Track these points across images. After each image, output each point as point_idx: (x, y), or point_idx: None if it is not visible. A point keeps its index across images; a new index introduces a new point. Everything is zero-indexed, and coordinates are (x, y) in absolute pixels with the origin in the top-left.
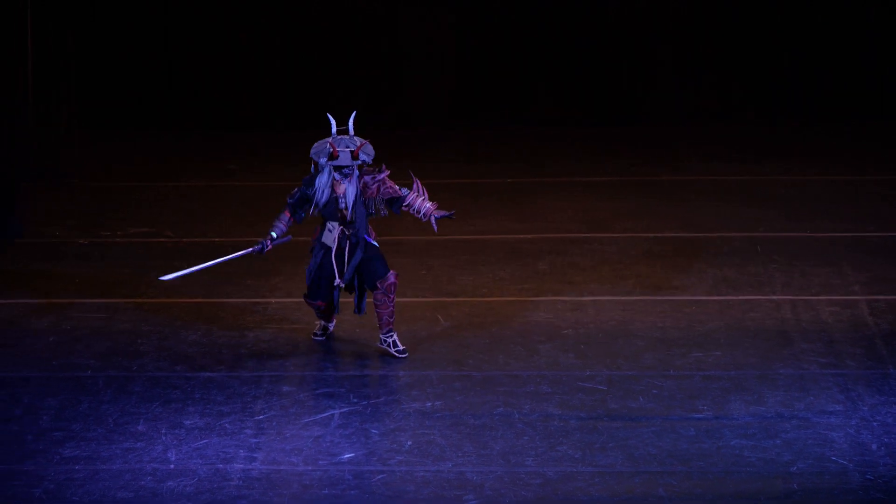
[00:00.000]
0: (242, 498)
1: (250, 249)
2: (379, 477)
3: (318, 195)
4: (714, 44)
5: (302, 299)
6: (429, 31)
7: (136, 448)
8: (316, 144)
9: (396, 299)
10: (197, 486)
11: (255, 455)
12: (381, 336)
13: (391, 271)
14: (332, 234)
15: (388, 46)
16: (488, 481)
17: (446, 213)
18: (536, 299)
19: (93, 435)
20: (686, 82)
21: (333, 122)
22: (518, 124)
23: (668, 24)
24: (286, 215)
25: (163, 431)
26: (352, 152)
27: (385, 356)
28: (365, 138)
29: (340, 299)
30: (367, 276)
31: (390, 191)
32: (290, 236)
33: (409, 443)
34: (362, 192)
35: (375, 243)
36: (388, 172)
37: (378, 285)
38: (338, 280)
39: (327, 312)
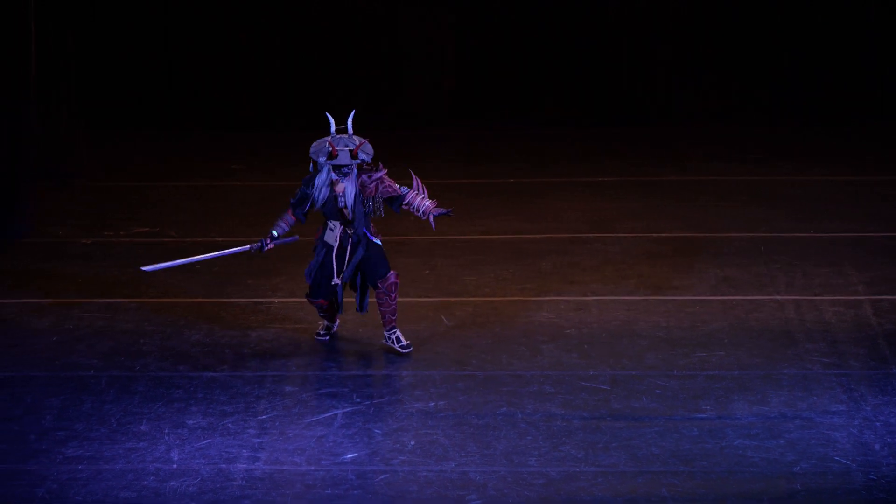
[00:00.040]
0: (245, 498)
1: (247, 247)
2: (382, 477)
3: (316, 194)
4: (714, 44)
5: (304, 299)
6: (429, 31)
7: (139, 448)
8: (315, 143)
9: (399, 299)
10: (200, 485)
11: (258, 455)
12: (384, 333)
13: (392, 271)
14: (333, 233)
15: (388, 46)
16: (491, 481)
17: (444, 210)
18: (539, 299)
19: (95, 435)
20: (686, 82)
21: (332, 121)
22: (518, 124)
23: (668, 24)
24: (288, 215)
25: (166, 431)
26: (350, 151)
27: (388, 356)
28: (364, 138)
29: (344, 299)
30: (368, 274)
31: (389, 189)
32: (295, 236)
33: (413, 443)
34: (361, 190)
35: (379, 242)
36: (385, 171)
37: (379, 285)
38: (335, 279)
39: (330, 311)
